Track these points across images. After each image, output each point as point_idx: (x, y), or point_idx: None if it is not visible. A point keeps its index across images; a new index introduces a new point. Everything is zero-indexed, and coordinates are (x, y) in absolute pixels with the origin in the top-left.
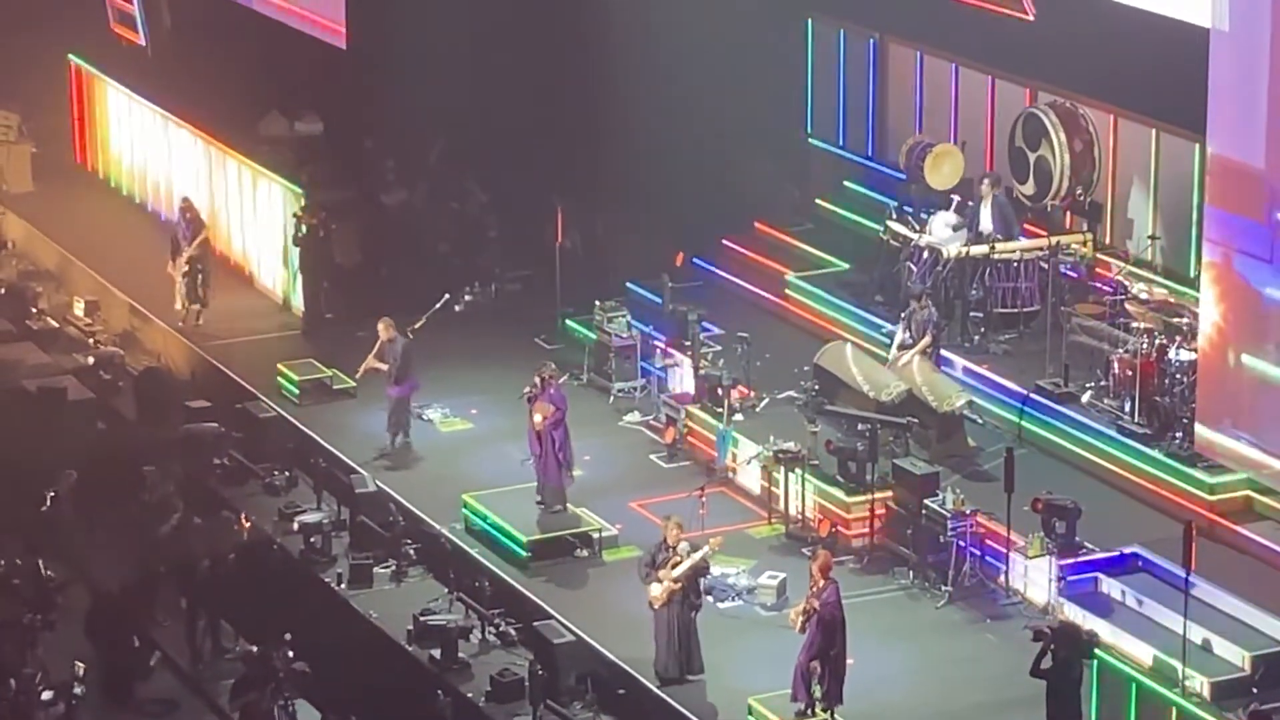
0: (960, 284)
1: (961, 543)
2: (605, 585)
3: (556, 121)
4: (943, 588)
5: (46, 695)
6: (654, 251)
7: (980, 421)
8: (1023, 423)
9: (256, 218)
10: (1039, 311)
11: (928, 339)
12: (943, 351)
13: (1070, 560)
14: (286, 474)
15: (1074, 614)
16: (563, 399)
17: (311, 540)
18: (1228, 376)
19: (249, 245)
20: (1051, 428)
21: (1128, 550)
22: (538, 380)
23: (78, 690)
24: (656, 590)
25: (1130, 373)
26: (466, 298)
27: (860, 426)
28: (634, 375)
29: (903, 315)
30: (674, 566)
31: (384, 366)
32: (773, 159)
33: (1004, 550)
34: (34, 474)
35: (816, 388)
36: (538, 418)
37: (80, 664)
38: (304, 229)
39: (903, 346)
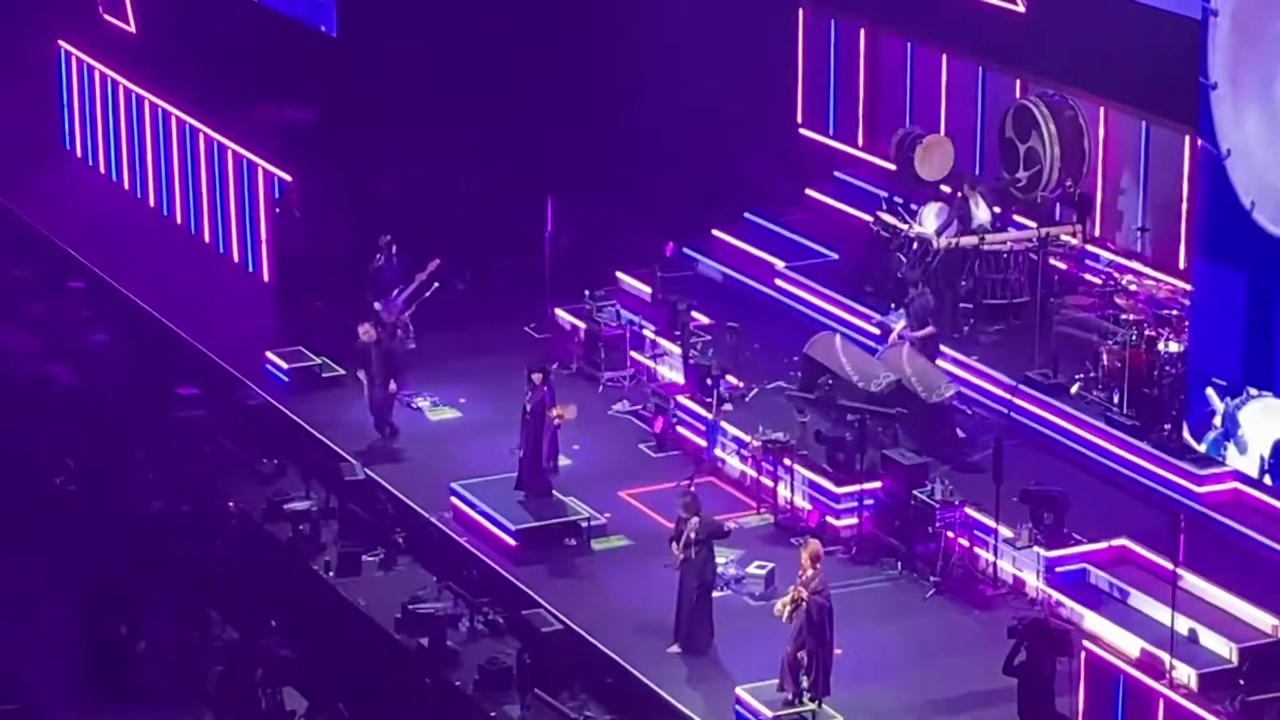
0: (950, 275)
1: (950, 533)
2: (593, 574)
3: (548, 111)
4: (931, 578)
5: None
6: (644, 241)
7: (969, 412)
8: (1011, 414)
9: (246, 203)
10: (1028, 303)
11: (930, 328)
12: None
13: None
14: (275, 462)
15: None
16: (551, 398)
17: (300, 528)
18: None
19: (237, 231)
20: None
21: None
22: (536, 378)
23: None
24: (675, 553)
25: (1119, 364)
26: (460, 286)
27: (849, 416)
28: (623, 365)
29: (905, 302)
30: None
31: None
32: (763, 149)
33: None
34: (24, 462)
35: (830, 383)
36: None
37: None
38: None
39: (903, 334)
